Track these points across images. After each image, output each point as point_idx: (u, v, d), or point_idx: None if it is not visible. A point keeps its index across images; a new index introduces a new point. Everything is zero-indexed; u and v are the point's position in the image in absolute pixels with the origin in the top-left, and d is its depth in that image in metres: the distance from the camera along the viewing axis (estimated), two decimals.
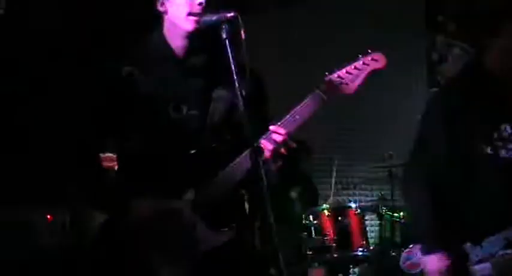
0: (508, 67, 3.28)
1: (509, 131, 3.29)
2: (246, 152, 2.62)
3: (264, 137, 2.67)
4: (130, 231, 2.68)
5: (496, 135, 3.27)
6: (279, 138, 2.65)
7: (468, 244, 3.21)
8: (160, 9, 2.81)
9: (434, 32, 6.76)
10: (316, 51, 6.26)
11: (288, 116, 2.69)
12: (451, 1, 6.69)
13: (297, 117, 2.68)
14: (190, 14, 2.71)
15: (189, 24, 2.73)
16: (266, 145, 2.66)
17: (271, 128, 2.67)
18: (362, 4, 6.63)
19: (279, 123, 2.68)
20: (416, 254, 3.29)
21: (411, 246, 3.36)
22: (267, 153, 2.66)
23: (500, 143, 3.28)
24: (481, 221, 3.22)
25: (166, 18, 2.81)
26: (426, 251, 3.22)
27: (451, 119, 3.29)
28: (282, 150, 2.67)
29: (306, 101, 2.69)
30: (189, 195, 2.71)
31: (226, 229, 2.70)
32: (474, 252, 3.20)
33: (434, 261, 3.19)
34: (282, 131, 2.66)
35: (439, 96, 3.48)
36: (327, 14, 6.58)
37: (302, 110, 2.68)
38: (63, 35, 5.14)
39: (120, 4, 5.27)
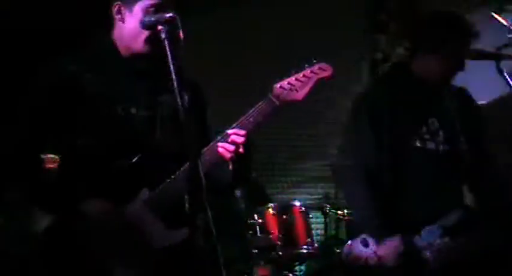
0: (439, 75, 3.40)
1: (437, 124, 3.42)
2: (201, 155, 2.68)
3: (221, 140, 2.75)
4: (79, 233, 2.68)
5: (424, 129, 3.39)
6: (239, 139, 2.74)
7: (410, 235, 3.31)
8: (116, 16, 2.80)
9: (377, 31, 6.83)
10: (260, 53, 6.30)
11: (243, 118, 2.77)
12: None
13: (251, 120, 2.77)
14: (148, 40, 2.72)
15: (144, 49, 2.76)
16: (227, 147, 2.73)
17: (230, 131, 2.75)
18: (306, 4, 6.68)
19: (234, 125, 2.76)
20: (357, 248, 3.35)
21: (350, 241, 3.43)
22: (227, 155, 2.74)
23: (428, 136, 3.40)
24: (418, 211, 3.33)
25: (121, 26, 2.81)
26: (377, 240, 3.29)
27: (381, 115, 3.39)
28: (241, 150, 2.75)
29: (259, 105, 2.78)
30: (143, 194, 2.74)
31: (181, 228, 2.75)
32: (414, 241, 3.29)
33: (387, 248, 3.26)
34: (242, 132, 2.75)
35: (369, 94, 3.57)
36: (272, 14, 6.59)
37: (256, 114, 2.77)
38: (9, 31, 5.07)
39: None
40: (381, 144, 3.38)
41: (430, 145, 3.40)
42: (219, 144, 2.75)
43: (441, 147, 3.41)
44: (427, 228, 3.30)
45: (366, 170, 3.37)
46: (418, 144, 3.39)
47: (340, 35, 6.58)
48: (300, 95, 2.81)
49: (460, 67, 3.42)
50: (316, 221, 5.96)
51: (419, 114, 3.44)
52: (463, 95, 3.60)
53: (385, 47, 6.73)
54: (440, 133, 3.43)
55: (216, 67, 6.01)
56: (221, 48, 6.26)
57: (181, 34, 2.56)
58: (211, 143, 2.75)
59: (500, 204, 3.47)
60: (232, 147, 2.73)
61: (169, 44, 2.46)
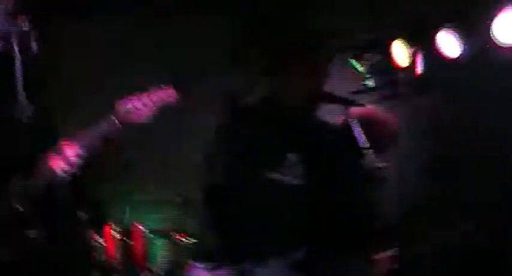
0: (293, 101, 3.47)
1: (295, 159, 3.48)
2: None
3: (53, 150, 2.63)
4: None
5: (283, 162, 3.44)
6: (71, 153, 2.63)
7: (253, 266, 3.33)
8: None
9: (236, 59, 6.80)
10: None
11: (80, 133, 2.68)
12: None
13: (88, 137, 2.69)
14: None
15: None
16: (57, 160, 2.63)
17: (63, 143, 2.65)
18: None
19: (71, 140, 2.66)
20: (197, 273, 3.36)
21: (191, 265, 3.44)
22: (57, 170, 2.63)
23: (287, 170, 3.45)
24: (267, 243, 3.37)
25: None
26: (211, 268, 3.29)
27: (238, 146, 3.41)
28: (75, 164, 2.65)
29: (100, 124, 2.71)
30: None
31: None
32: (259, 273, 3.32)
33: None
34: (75, 146, 2.65)
35: (227, 124, 3.58)
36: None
37: (95, 132, 2.70)
38: None
39: None
40: (237, 175, 3.39)
41: (288, 179, 3.44)
42: (51, 154, 2.65)
43: (296, 182, 3.46)
44: (273, 261, 3.33)
45: (218, 198, 3.38)
46: (277, 178, 3.42)
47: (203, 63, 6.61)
48: (142, 117, 2.78)
49: (315, 90, 3.47)
50: (160, 246, 5.90)
51: (279, 147, 3.47)
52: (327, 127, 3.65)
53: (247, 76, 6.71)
54: (299, 168, 3.48)
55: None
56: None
57: (35, 45, 2.47)
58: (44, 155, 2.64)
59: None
60: (63, 162, 2.64)
61: (19, 56, 2.38)
